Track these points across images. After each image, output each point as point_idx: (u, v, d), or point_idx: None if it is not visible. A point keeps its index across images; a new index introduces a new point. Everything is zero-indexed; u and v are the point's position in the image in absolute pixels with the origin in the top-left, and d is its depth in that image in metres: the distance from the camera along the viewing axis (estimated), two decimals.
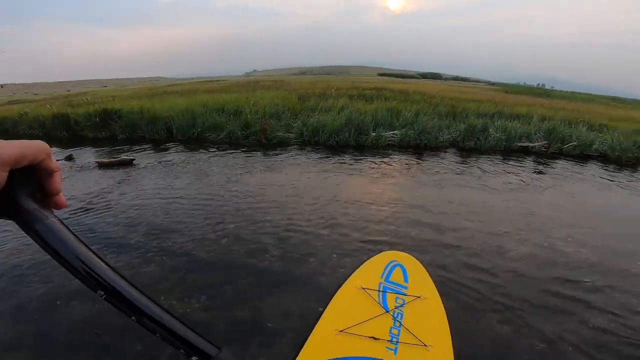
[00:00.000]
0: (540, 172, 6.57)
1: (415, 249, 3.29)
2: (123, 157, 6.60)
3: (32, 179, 0.31)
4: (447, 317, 1.70)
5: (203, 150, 7.44)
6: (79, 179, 5.66)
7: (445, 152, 7.76)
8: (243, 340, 2.17)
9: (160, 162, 6.54)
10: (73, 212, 4.15)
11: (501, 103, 12.79)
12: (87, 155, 7.39)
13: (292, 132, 8.16)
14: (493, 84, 47.51)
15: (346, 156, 6.94)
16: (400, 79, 42.97)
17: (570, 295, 2.75)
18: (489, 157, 7.43)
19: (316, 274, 2.88)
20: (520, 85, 37.70)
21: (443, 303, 1.80)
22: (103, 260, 0.32)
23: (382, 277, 1.89)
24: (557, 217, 4.33)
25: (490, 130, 8.44)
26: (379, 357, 1.42)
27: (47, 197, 0.32)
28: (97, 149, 8.16)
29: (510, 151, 8.11)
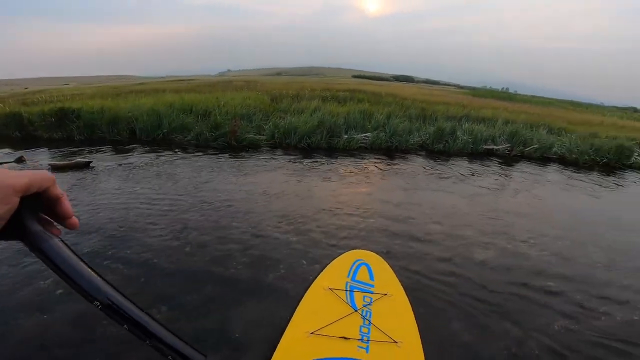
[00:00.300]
0: (504, 175, 6.82)
1: (386, 252, 3.26)
2: (79, 159, 6.14)
3: (38, 204, 0.35)
4: (414, 312, 1.73)
5: (168, 153, 7.09)
6: None
7: (416, 154, 7.89)
8: (209, 352, 1.99)
9: (120, 165, 6.15)
10: None
11: (468, 106, 13.27)
12: (41, 157, 6.82)
13: (263, 134, 7.98)
14: (462, 87, 49.48)
15: (318, 159, 6.87)
16: (374, 81, 43.66)
17: (532, 296, 2.83)
18: (457, 160, 7.64)
19: (285, 281, 2.78)
20: (486, 89, 39.50)
21: (409, 299, 1.82)
22: (99, 275, 0.36)
23: (348, 276, 1.91)
24: (520, 219, 4.48)
25: (458, 134, 8.69)
26: (352, 357, 1.43)
27: (60, 220, 0.37)
28: (52, 150, 7.56)
29: (476, 154, 8.39)
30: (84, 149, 7.49)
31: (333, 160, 6.78)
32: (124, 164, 6.24)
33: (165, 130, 8.22)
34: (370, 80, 45.11)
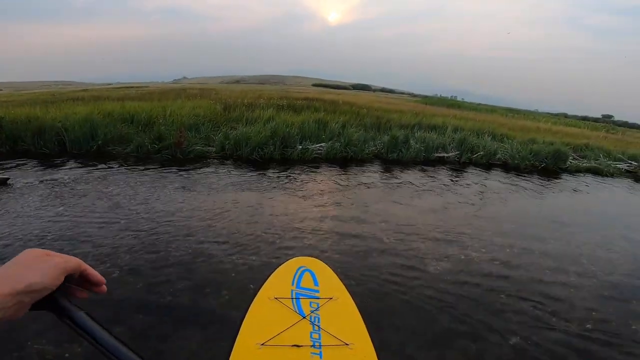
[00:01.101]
0: (455, 183, 7.03)
1: (338, 266, 3.07)
2: None
3: (65, 284, 0.44)
4: (361, 314, 1.75)
5: (103, 167, 6.38)
6: None
7: (371, 164, 7.89)
8: None
9: (43, 182, 5.39)
10: None
11: (421, 114, 13.76)
12: None
13: (212, 146, 7.52)
14: (415, 95, 51.92)
15: (270, 171, 6.57)
16: (333, 89, 44.36)
17: (484, 298, 2.83)
18: (410, 169, 7.77)
19: (229, 308, 2.51)
20: (437, 97, 41.76)
21: (354, 301, 1.84)
22: (122, 342, 0.43)
23: (292, 284, 1.89)
24: (470, 228, 4.56)
25: (411, 142, 8.89)
26: None
27: (92, 287, 0.48)
28: None
29: (428, 161, 8.62)
30: (3, 163, 6.55)
31: (286, 173, 6.52)
32: (48, 180, 5.50)
33: (100, 142, 7.43)
34: (330, 89, 45.78)
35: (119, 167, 6.40)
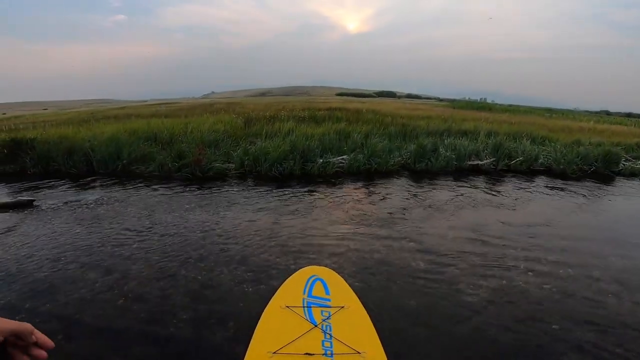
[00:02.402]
0: (491, 192, 6.35)
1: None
2: (20, 198, 5.48)
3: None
4: (373, 322, 1.70)
5: (125, 187, 6.40)
6: None
7: (396, 176, 7.37)
8: None
9: (66, 203, 5.46)
10: None
11: (450, 119, 13.00)
12: None
13: (231, 162, 7.36)
14: (442, 100, 50.20)
15: (289, 189, 6.24)
16: (357, 98, 44.00)
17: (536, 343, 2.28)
18: (441, 179, 7.17)
19: (234, 343, 2.26)
20: (464, 101, 40.04)
21: (366, 310, 1.80)
22: None
23: (304, 293, 1.88)
24: (514, 242, 3.97)
25: (440, 150, 8.27)
26: None
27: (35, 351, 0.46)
28: (1, 185, 6.86)
29: (461, 171, 7.95)
30: (35, 184, 6.80)
31: (305, 190, 6.16)
32: (72, 201, 5.57)
33: (124, 161, 7.53)
34: (354, 97, 45.47)
35: (139, 187, 6.38)
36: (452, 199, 5.82)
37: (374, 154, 7.70)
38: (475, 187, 6.66)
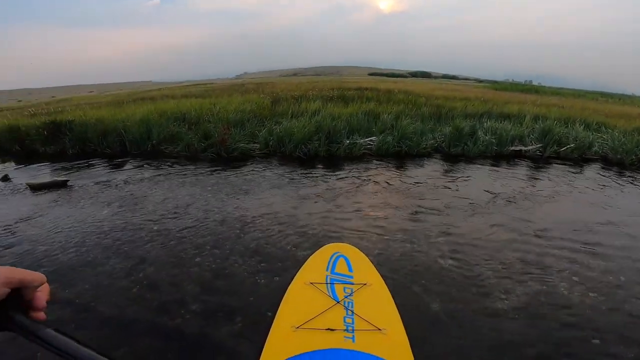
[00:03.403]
0: (537, 182, 5.73)
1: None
2: (55, 178, 5.73)
3: (21, 298, 0.40)
4: (394, 298, 1.71)
5: (153, 167, 6.51)
6: None
7: (429, 160, 6.87)
8: None
9: (98, 183, 5.64)
10: None
11: (490, 101, 11.99)
12: (28, 174, 6.53)
13: (256, 142, 7.23)
14: (481, 81, 46.85)
15: (313, 170, 6.02)
16: (390, 78, 42.22)
17: None
18: (478, 165, 6.59)
19: (239, 340, 2.17)
20: (507, 82, 37.07)
21: (388, 288, 1.81)
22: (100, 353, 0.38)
23: (327, 269, 1.91)
24: (558, 241, 3.49)
25: (479, 134, 7.60)
26: (339, 347, 1.43)
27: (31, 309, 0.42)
28: (42, 165, 7.27)
29: (501, 157, 7.27)
30: (72, 164, 7.14)
31: (330, 173, 5.90)
32: (103, 181, 5.74)
33: (154, 142, 7.66)
34: (387, 77, 43.70)
35: (166, 168, 6.46)
36: (490, 187, 5.30)
37: (405, 136, 7.23)
38: (518, 175, 6.04)
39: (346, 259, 2.02)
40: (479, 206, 4.51)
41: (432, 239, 3.53)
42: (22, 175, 6.51)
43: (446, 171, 6.15)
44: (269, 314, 2.35)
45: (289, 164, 6.43)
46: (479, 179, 5.69)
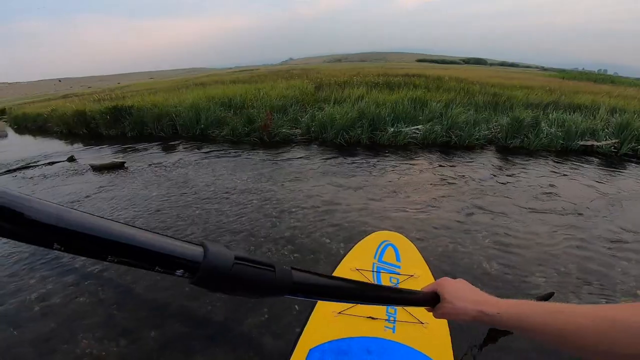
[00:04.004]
0: (610, 183, 4.99)
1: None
2: (114, 160, 6.25)
3: None
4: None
5: (200, 150, 6.79)
6: (62, 183, 5.40)
7: (482, 152, 6.31)
8: None
9: (150, 165, 6.05)
10: None
11: (557, 90, 10.71)
12: (91, 155, 7.21)
13: (298, 128, 7.19)
14: (546, 69, 42.26)
15: (354, 159, 5.81)
16: (440, 64, 39.83)
17: None
18: (541, 160, 5.91)
19: (264, 331, 2.15)
20: (577, 71, 32.98)
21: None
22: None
23: (375, 257, 1.88)
24: (634, 261, 2.98)
25: (542, 125, 6.82)
26: (379, 336, 1.42)
27: None
28: (104, 147, 8.01)
29: (568, 152, 6.47)
30: (130, 146, 7.74)
31: (371, 162, 5.65)
32: (155, 163, 6.13)
33: (202, 126, 7.98)
34: (437, 64, 41.29)
35: (212, 151, 6.69)
36: (553, 185, 4.72)
37: (455, 125, 6.71)
38: (587, 174, 5.31)
39: (395, 249, 1.98)
40: (538, 206, 4.03)
41: (479, 240, 3.21)
42: (87, 155, 7.18)
43: (501, 165, 5.60)
44: (296, 307, 2.33)
45: (329, 150, 6.31)
46: (540, 176, 5.10)
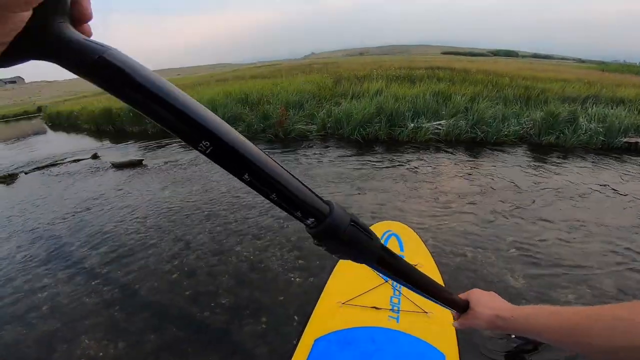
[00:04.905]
0: None
1: None
2: (132, 158, 6.34)
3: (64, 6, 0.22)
4: (444, 283, 1.71)
5: None
6: (84, 180, 5.58)
7: (512, 150, 5.82)
8: None
9: (167, 163, 6.11)
10: (50, 221, 4.04)
11: (597, 83, 9.83)
12: (114, 153, 7.42)
13: (314, 124, 6.96)
14: (583, 61, 39.45)
15: (371, 157, 5.51)
16: (467, 57, 38.18)
17: None
18: (577, 159, 5.37)
19: (260, 341, 2.05)
20: (618, 63, 30.52)
21: (439, 270, 1.80)
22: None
23: None
24: None
25: (580, 121, 6.22)
26: (383, 326, 1.43)
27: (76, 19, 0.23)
28: (130, 143, 8.26)
29: (610, 149, 5.86)
30: (151, 143, 7.92)
31: (389, 160, 5.33)
32: (171, 161, 6.18)
33: None
34: (463, 57, 39.63)
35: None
36: (591, 189, 4.23)
37: (482, 120, 6.25)
38: (632, 175, 4.76)
39: (398, 238, 1.98)
40: (573, 213, 3.61)
41: (504, 251, 2.89)
42: (110, 153, 7.38)
43: (534, 165, 5.12)
44: (296, 317, 2.20)
45: (345, 147, 6.04)
46: (579, 177, 4.60)
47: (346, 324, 1.46)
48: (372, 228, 1.43)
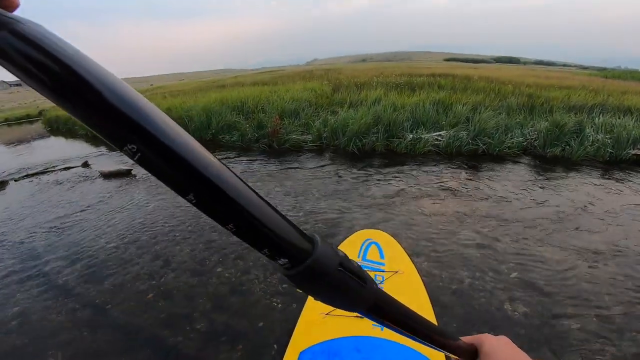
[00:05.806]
0: None
1: None
2: (120, 167, 6.18)
3: None
4: (428, 294, 1.65)
5: None
6: (71, 190, 5.45)
7: (514, 163, 5.56)
8: None
9: None
10: (30, 233, 3.96)
11: (603, 91, 9.57)
12: (104, 161, 7.28)
13: (309, 134, 6.74)
14: (586, 67, 39.17)
15: (367, 170, 5.25)
16: (469, 64, 38.02)
17: None
18: (584, 173, 5.10)
19: None
20: (621, 69, 30.19)
21: (420, 276, 1.77)
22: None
23: (359, 256, 1.90)
24: None
25: (587, 131, 5.96)
26: (367, 335, 1.43)
27: None
28: (119, 153, 7.98)
29: (618, 162, 5.58)
30: None
31: (386, 172, 5.08)
32: None
33: (213, 131, 7.73)
34: (466, 63, 39.49)
35: (219, 158, 6.42)
36: (599, 207, 3.97)
37: (484, 131, 6.00)
38: None
39: (378, 246, 1.98)
40: (581, 233, 3.34)
41: (503, 274, 2.68)
42: (100, 161, 7.22)
43: (538, 179, 4.86)
44: (275, 346, 2.07)
45: (340, 159, 5.80)
46: (584, 193, 4.34)
47: (331, 335, 1.46)
48: (351, 237, 1.88)
